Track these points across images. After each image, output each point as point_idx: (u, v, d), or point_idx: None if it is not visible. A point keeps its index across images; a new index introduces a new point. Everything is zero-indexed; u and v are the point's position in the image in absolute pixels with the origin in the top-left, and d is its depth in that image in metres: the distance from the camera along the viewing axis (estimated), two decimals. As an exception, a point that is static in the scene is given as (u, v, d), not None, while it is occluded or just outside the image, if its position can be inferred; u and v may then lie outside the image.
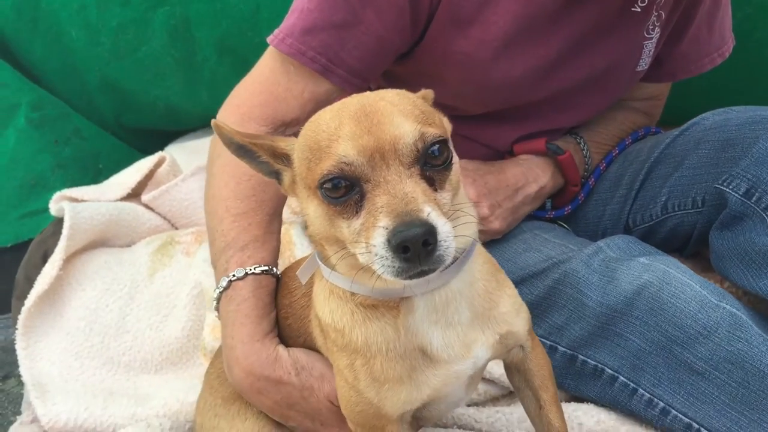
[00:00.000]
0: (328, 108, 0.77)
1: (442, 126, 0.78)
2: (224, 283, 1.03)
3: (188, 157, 1.91)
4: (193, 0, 1.74)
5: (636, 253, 1.17)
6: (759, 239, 1.09)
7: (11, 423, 1.50)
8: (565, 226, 1.40)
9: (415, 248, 0.65)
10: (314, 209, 0.75)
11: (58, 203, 1.60)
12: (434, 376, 0.83)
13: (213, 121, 0.85)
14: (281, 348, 0.99)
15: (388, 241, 0.66)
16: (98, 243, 1.60)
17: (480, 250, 0.87)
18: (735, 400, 1.00)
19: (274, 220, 1.08)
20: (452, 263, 0.77)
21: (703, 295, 1.06)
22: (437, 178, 0.72)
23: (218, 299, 1.05)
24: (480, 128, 1.31)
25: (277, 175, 0.82)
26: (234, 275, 1.03)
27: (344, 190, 0.71)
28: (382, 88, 1.29)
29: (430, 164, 0.72)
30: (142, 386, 1.39)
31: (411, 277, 0.68)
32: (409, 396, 0.82)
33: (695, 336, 1.04)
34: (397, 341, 0.81)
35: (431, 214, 0.67)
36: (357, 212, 0.71)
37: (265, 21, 1.70)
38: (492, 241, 1.27)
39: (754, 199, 1.12)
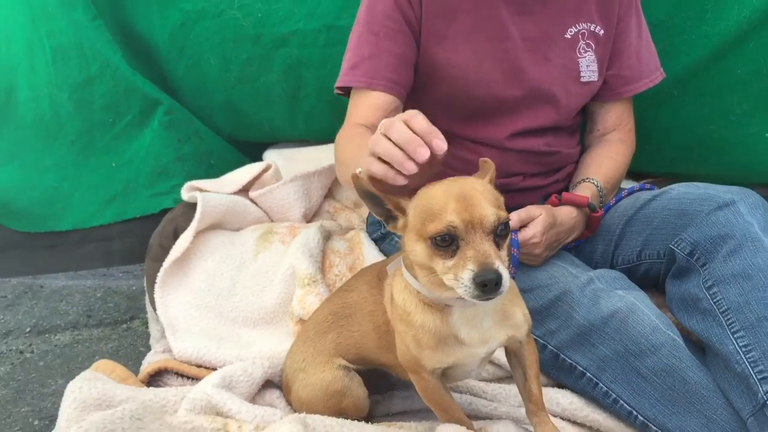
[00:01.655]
0: (437, 186, 1.14)
1: (505, 208, 1.13)
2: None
3: (284, 162, 2.35)
4: (307, 45, 2.16)
5: (618, 286, 1.53)
6: (693, 289, 1.46)
7: (140, 353, 1.94)
8: (570, 252, 1.78)
9: (490, 285, 1.04)
10: (420, 248, 1.12)
11: (190, 192, 2.04)
12: (459, 351, 1.25)
13: (352, 174, 1.14)
14: None
15: (474, 279, 1.05)
16: (216, 225, 2.01)
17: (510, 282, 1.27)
18: (664, 397, 1.39)
19: None
20: None
21: (656, 323, 1.43)
22: (500, 242, 1.10)
23: None
24: (479, 127, 1.74)
25: (386, 218, 1.19)
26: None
27: (448, 243, 1.09)
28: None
29: (497, 234, 1.10)
30: (243, 337, 1.76)
31: (482, 299, 1.07)
32: (439, 359, 1.25)
33: (646, 351, 1.41)
34: (440, 328, 1.23)
35: (500, 266, 1.06)
36: (452, 256, 1.09)
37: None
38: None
39: (694, 258, 1.48)
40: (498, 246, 1.11)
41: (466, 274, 1.07)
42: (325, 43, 2.18)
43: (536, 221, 1.58)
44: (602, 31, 1.77)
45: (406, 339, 1.27)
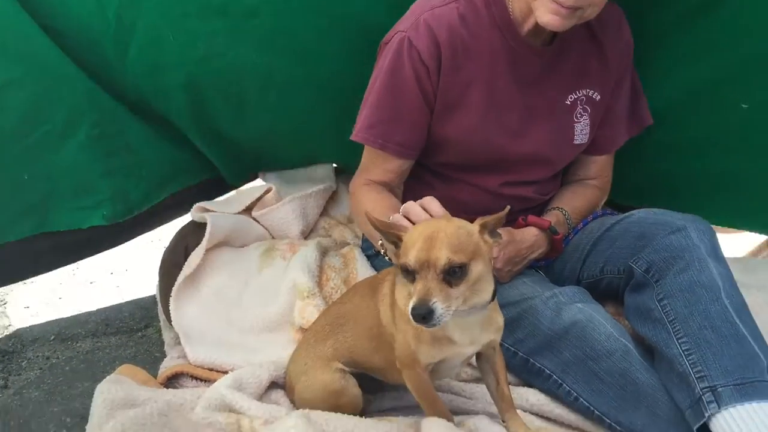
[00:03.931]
0: (421, 225, 1.38)
1: (471, 252, 1.30)
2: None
3: (283, 185, 2.51)
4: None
5: (577, 300, 1.71)
6: (647, 301, 1.66)
7: (156, 358, 2.10)
8: (540, 271, 2.01)
9: (418, 317, 1.25)
10: (399, 272, 1.38)
11: (199, 212, 2.22)
12: (450, 350, 1.47)
13: (366, 212, 1.45)
14: None
15: (412, 309, 1.26)
16: (223, 243, 2.20)
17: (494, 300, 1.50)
18: (618, 396, 1.60)
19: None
20: (477, 309, 1.40)
21: (610, 331, 1.63)
22: (453, 281, 1.28)
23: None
24: (478, 176, 1.92)
25: (395, 244, 1.40)
26: None
27: (408, 273, 1.31)
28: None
29: (451, 274, 1.28)
30: (250, 344, 1.93)
31: (420, 325, 1.28)
32: (433, 354, 1.47)
33: (602, 356, 1.60)
34: (436, 329, 1.42)
35: (435, 303, 1.24)
36: (411, 284, 1.31)
37: (335, 42, 2.07)
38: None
39: (649, 275, 1.68)
40: (450, 284, 1.30)
41: (411, 304, 1.28)
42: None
43: None
44: (599, 97, 1.89)
45: (407, 335, 1.48)
